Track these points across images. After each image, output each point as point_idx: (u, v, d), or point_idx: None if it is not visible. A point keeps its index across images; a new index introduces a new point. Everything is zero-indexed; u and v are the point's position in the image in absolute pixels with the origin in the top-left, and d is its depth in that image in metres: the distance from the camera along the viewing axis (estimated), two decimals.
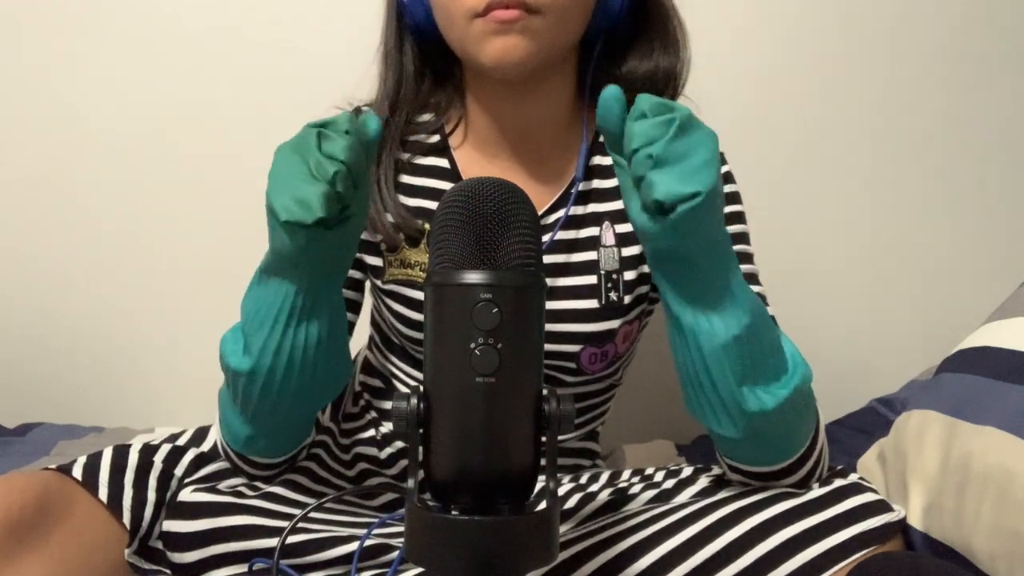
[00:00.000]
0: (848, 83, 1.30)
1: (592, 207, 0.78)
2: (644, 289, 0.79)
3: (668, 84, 0.76)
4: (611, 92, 0.55)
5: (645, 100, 0.55)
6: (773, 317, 0.70)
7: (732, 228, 0.76)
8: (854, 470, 0.88)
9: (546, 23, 0.66)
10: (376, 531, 0.70)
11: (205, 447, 0.83)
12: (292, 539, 0.68)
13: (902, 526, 0.63)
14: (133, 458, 0.74)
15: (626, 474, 0.80)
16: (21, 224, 1.30)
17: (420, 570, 0.66)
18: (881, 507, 0.62)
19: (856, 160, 1.32)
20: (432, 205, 0.77)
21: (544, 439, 0.49)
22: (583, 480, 0.80)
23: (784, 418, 0.61)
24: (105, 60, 1.27)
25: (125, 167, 1.29)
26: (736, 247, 0.75)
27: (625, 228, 0.77)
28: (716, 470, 0.73)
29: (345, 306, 0.78)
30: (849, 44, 1.30)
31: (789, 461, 0.64)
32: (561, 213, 0.77)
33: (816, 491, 0.64)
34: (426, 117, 0.80)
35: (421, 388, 0.48)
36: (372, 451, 0.85)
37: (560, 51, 0.70)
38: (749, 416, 0.59)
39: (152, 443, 0.79)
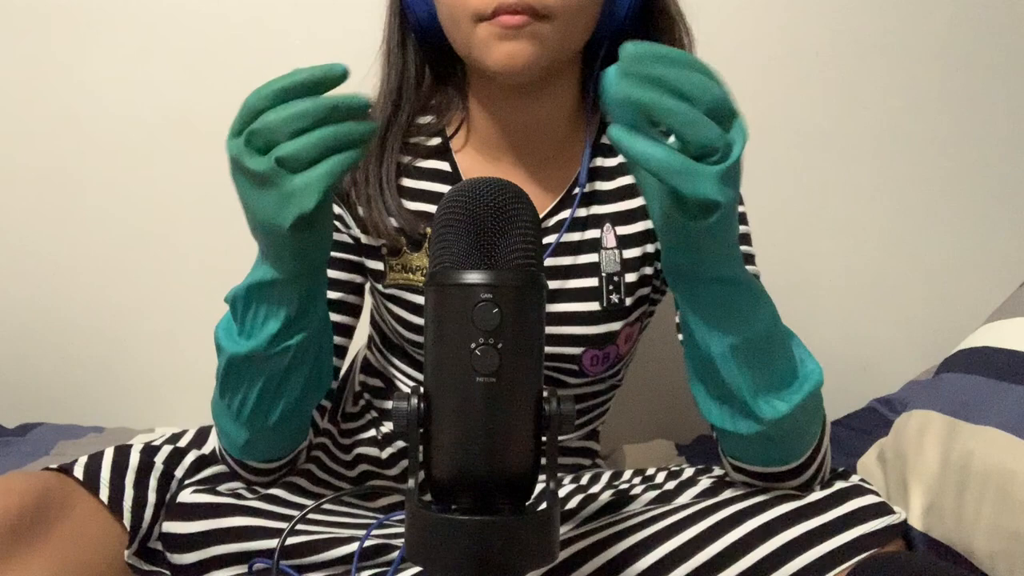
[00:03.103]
0: (850, 86, 1.30)
1: (594, 209, 0.78)
2: (645, 291, 0.78)
3: None
4: (613, 74, 0.47)
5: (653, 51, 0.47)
6: None
7: None
8: (854, 470, 0.88)
9: (553, 29, 0.65)
10: (376, 531, 0.69)
11: (206, 449, 0.83)
12: (292, 540, 0.68)
13: (903, 528, 0.63)
14: (134, 459, 0.73)
15: (627, 475, 0.80)
16: (21, 223, 1.30)
17: (420, 570, 0.66)
18: (882, 509, 0.62)
19: (857, 161, 1.32)
20: (433, 208, 0.77)
21: (544, 439, 0.49)
22: (584, 481, 0.80)
23: (795, 422, 0.61)
24: (106, 59, 1.27)
25: (126, 166, 1.29)
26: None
27: (626, 230, 0.77)
28: (717, 471, 0.73)
29: (335, 299, 0.78)
30: (851, 47, 1.30)
31: (797, 463, 0.64)
32: (563, 215, 0.77)
33: (817, 493, 0.64)
34: (427, 119, 0.79)
35: (421, 388, 0.48)
36: (373, 451, 0.85)
37: (566, 56, 0.70)
38: (761, 422, 0.59)
39: (153, 444, 0.78)
